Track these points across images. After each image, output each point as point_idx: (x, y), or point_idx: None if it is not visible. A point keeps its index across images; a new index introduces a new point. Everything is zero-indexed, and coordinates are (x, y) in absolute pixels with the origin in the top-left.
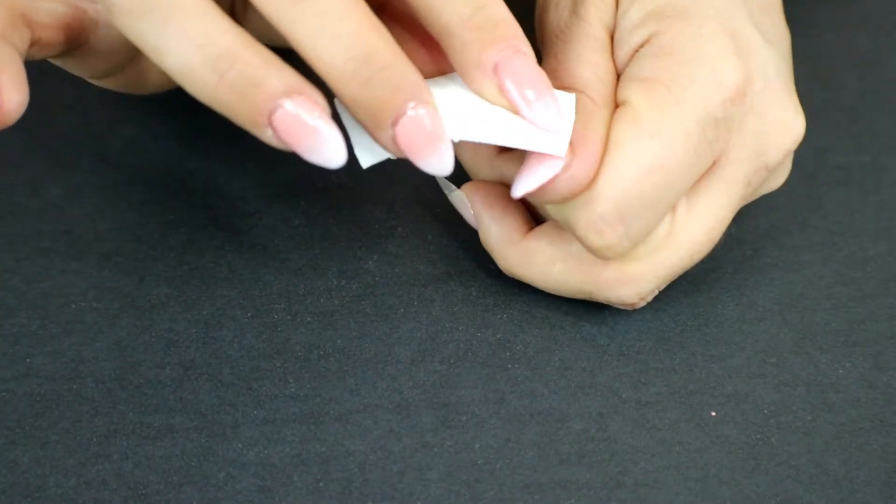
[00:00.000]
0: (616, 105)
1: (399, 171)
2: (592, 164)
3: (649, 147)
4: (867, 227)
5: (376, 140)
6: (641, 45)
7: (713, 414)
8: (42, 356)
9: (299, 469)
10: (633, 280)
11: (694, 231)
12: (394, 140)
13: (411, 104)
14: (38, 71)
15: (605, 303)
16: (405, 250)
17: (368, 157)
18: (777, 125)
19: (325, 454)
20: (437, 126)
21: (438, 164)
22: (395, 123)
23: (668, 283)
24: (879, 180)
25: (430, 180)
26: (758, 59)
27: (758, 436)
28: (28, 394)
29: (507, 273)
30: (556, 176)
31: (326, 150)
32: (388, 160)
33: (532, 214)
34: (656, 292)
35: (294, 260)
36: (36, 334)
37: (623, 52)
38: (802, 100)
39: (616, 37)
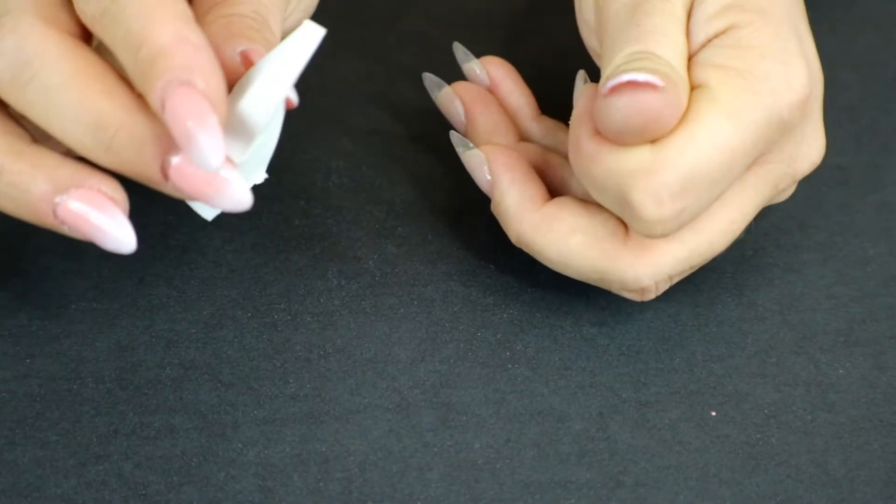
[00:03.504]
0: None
1: (399, 171)
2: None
3: (725, 127)
4: (867, 227)
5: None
6: (717, 35)
7: (713, 414)
8: (42, 356)
9: (299, 469)
10: (653, 260)
11: (718, 219)
12: (180, 192)
13: (171, 156)
14: None
15: (616, 289)
16: (405, 250)
17: (207, 209)
18: (812, 139)
19: (326, 454)
20: (212, 160)
21: (234, 199)
22: (167, 177)
23: (682, 274)
24: (880, 180)
25: (430, 181)
26: (815, 69)
27: (758, 435)
28: (28, 394)
29: (517, 242)
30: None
31: (112, 242)
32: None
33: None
34: (668, 284)
35: (294, 260)
36: (36, 335)
37: (697, 38)
38: None
39: (692, 21)
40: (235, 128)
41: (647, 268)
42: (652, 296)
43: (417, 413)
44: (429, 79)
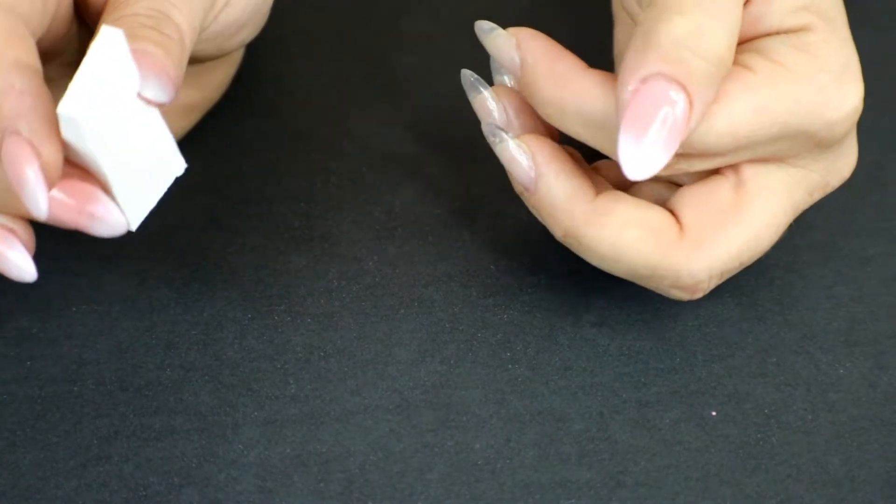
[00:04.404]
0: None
1: (399, 172)
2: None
3: (750, 117)
4: (868, 226)
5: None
6: (789, 31)
7: (714, 413)
8: (43, 359)
9: (300, 470)
10: (707, 254)
11: (761, 211)
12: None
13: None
14: None
15: (667, 286)
16: (405, 251)
17: (134, 218)
18: (849, 156)
19: (326, 455)
20: (39, 202)
21: (110, 226)
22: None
23: (732, 271)
24: (880, 180)
25: (430, 182)
26: (863, 90)
27: (758, 435)
28: (29, 396)
29: (564, 237)
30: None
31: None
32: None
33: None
34: (719, 281)
35: (294, 261)
36: (37, 337)
37: (767, 24)
38: None
39: (762, 9)
40: (82, 154)
41: (703, 262)
42: (701, 294)
43: (418, 413)
44: (466, 77)
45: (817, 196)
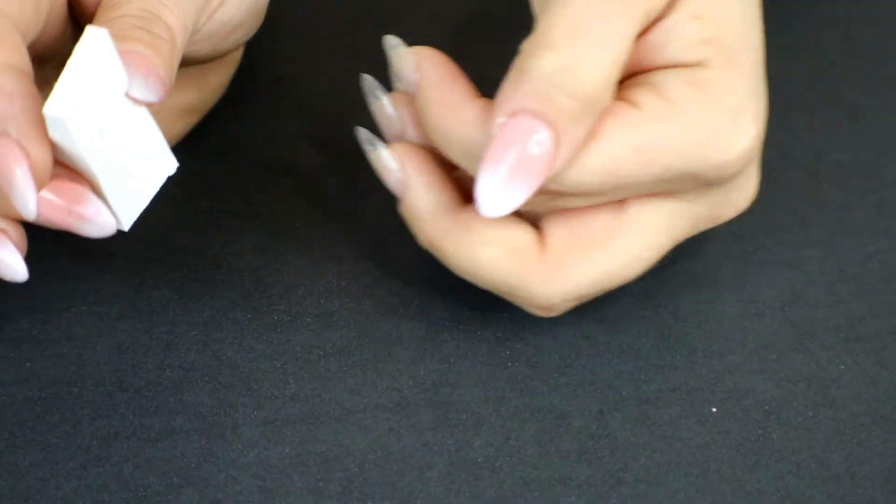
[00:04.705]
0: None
1: None
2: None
3: (628, 155)
4: (868, 223)
5: None
6: (685, 66)
7: (714, 410)
8: (42, 360)
9: (299, 469)
10: (565, 279)
11: (633, 242)
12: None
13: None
14: None
15: (522, 304)
16: (405, 250)
17: (126, 218)
18: (743, 190)
19: (325, 454)
20: (28, 203)
21: (99, 227)
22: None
23: (590, 296)
24: (880, 177)
25: None
26: (763, 126)
27: (759, 432)
28: (28, 397)
29: (427, 247)
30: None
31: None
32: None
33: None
34: (575, 304)
35: (294, 261)
36: (36, 338)
37: (661, 59)
38: (803, 96)
39: (660, 39)
40: (70, 154)
41: (559, 286)
42: (556, 314)
43: (417, 412)
44: (367, 81)
45: (703, 228)
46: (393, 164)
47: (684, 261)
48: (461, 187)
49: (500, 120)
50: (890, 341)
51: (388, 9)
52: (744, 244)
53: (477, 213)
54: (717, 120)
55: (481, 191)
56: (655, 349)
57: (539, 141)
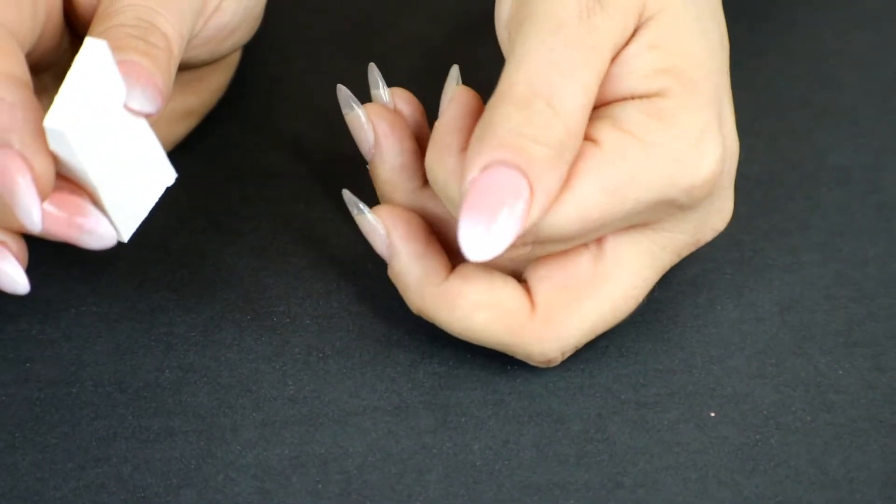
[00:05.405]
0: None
1: None
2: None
3: (599, 199)
4: (867, 227)
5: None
6: (643, 97)
7: (712, 415)
8: (41, 360)
9: (298, 471)
10: (559, 334)
11: (618, 285)
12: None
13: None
14: None
15: (520, 358)
16: None
17: (126, 230)
18: (720, 212)
19: (324, 456)
20: (33, 214)
21: (98, 238)
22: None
23: (587, 340)
24: (879, 181)
25: None
26: (730, 149)
27: (757, 436)
28: (27, 398)
29: (417, 313)
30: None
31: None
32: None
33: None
34: (574, 350)
35: (293, 263)
36: (36, 339)
37: (620, 88)
38: (803, 100)
39: (619, 70)
40: (70, 166)
41: (554, 343)
42: (559, 362)
43: (416, 415)
44: (342, 92)
45: (686, 253)
46: (381, 228)
47: (683, 265)
48: (447, 236)
49: (471, 176)
50: (888, 346)
51: (388, 9)
52: (742, 249)
53: (465, 278)
54: (678, 147)
55: (463, 240)
56: (654, 353)
57: (517, 189)
